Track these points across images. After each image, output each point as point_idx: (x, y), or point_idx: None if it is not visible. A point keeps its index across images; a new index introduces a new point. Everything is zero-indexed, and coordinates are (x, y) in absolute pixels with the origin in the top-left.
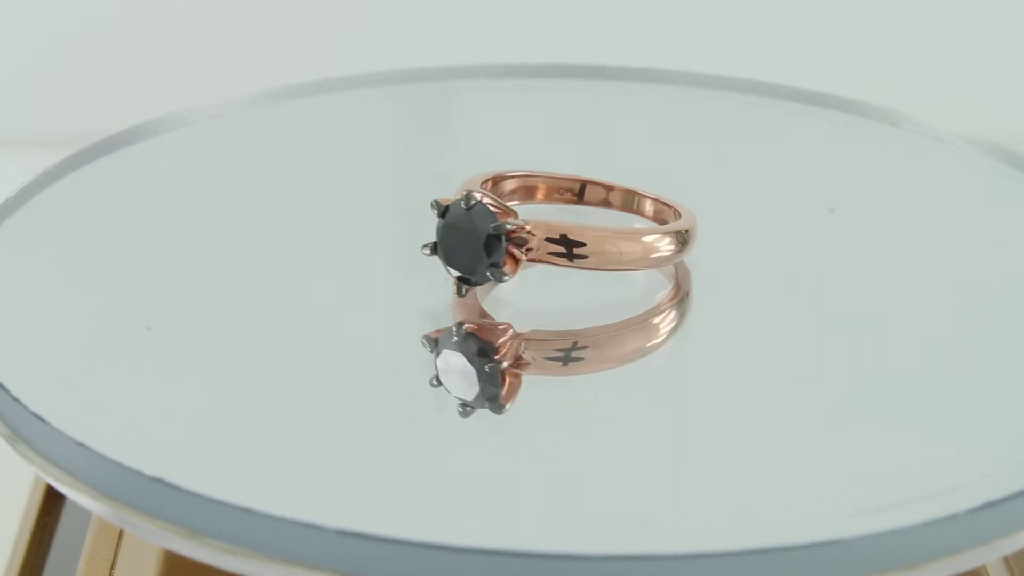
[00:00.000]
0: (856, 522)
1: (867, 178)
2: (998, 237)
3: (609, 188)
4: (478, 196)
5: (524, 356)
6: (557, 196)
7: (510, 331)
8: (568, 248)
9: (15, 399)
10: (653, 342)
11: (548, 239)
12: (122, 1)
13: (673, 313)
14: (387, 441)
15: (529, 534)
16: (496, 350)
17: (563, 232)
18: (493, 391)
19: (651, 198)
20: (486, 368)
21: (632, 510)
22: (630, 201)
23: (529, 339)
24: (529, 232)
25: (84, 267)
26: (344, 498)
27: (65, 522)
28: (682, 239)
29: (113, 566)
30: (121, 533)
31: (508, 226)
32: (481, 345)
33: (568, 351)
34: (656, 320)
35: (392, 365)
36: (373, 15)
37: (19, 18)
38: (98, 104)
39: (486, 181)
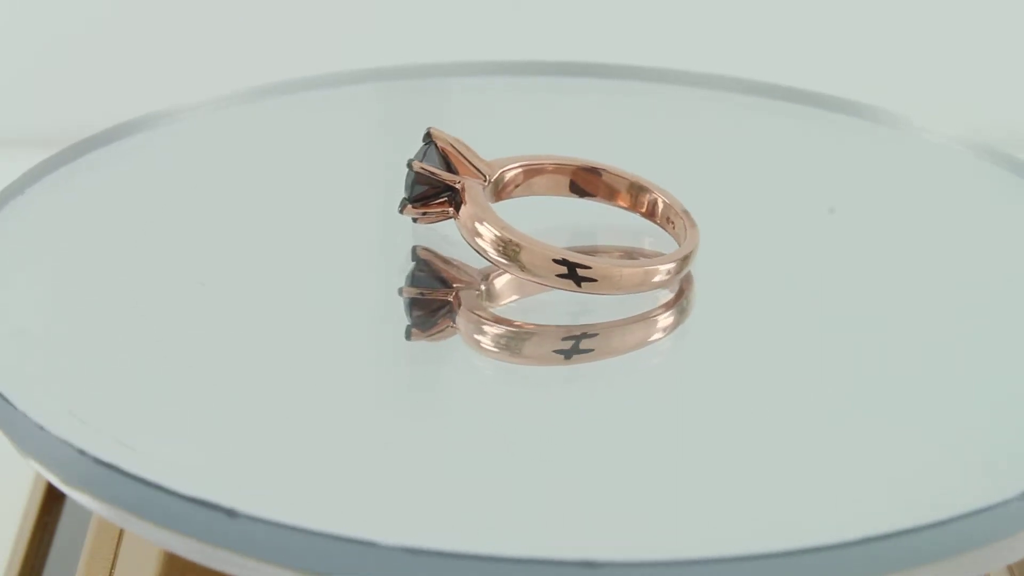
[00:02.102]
0: (855, 524)
1: (866, 179)
2: (996, 238)
3: (619, 178)
4: (440, 140)
5: (461, 313)
6: (566, 180)
7: (468, 286)
8: (572, 271)
9: (7, 399)
10: (653, 339)
11: (555, 260)
12: (117, 1)
13: (673, 311)
14: (386, 442)
15: (524, 538)
16: (440, 287)
17: (565, 257)
18: (412, 316)
19: (661, 198)
20: (408, 288)
21: (628, 513)
22: (636, 195)
23: (472, 308)
24: (461, 189)
25: (78, 266)
26: (341, 501)
27: (65, 522)
28: (685, 262)
29: (113, 566)
30: (121, 533)
31: (415, 165)
32: (429, 275)
33: (576, 341)
34: (657, 318)
35: (388, 364)
36: (365, 11)
37: (18, 18)
38: (98, 104)
39: (510, 168)
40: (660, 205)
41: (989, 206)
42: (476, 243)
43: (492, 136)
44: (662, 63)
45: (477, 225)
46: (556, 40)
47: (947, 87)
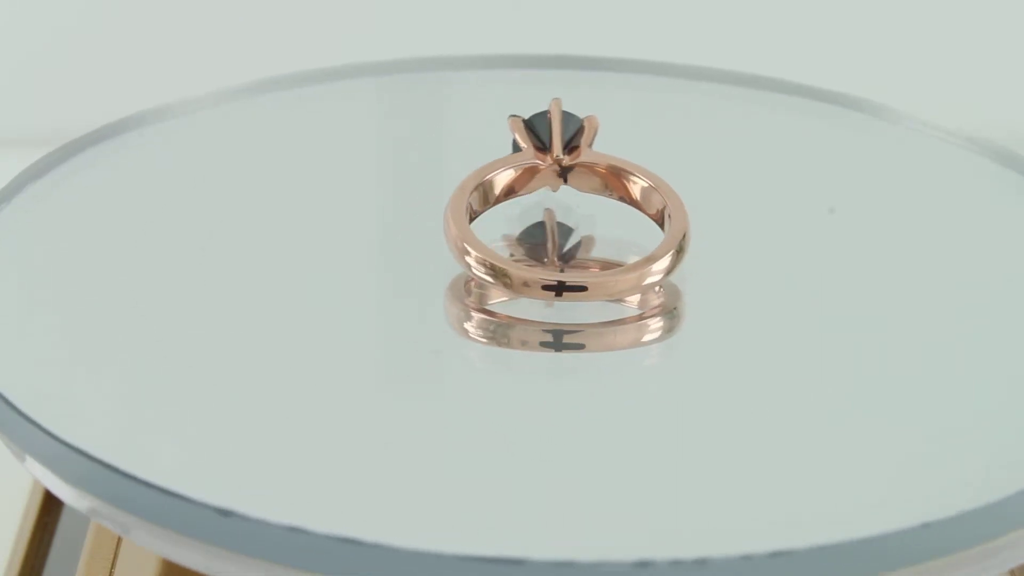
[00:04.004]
0: (855, 524)
1: (866, 175)
2: (997, 237)
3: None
4: (554, 109)
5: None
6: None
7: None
8: (561, 288)
9: (7, 402)
10: (649, 337)
11: (545, 288)
12: (115, 1)
13: (670, 311)
14: (387, 442)
15: (525, 538)
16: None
17: (561, 281)
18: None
19: (642, 180)
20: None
21: (626, 515)
22: (615, 178)
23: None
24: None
25: (77, 264)
26: (341, 502)
27: (65, 522)
28: (680, 253)
29: (113, 566)
30: None
31: (510, 122)
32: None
33: (560, 334)
34: (654, 316)
35: (384, 362)
36: (364, 5)
37: (16, 17)
38: (96, 103)
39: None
40: (646, 192)
41: (989, 205)
42: (464, 260)
43: (488, 131)
44: (662, 57)
45: (465, 245)
46: (557, 34)
47: (948, 85)
